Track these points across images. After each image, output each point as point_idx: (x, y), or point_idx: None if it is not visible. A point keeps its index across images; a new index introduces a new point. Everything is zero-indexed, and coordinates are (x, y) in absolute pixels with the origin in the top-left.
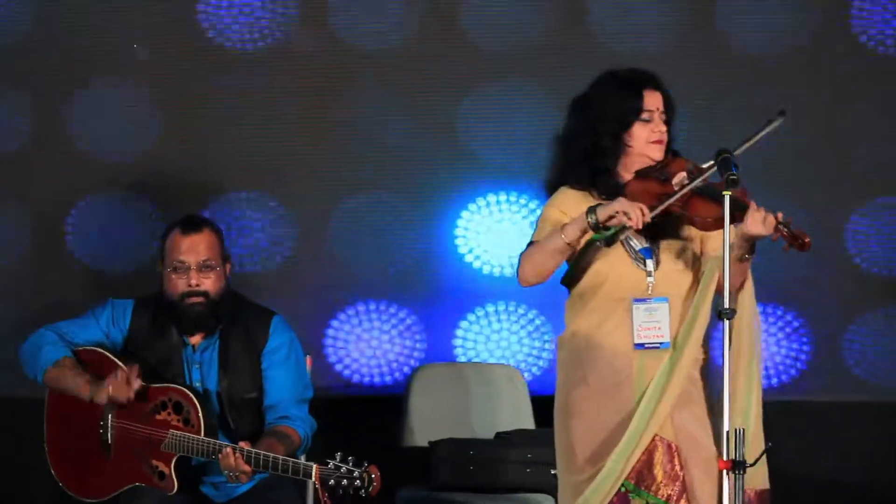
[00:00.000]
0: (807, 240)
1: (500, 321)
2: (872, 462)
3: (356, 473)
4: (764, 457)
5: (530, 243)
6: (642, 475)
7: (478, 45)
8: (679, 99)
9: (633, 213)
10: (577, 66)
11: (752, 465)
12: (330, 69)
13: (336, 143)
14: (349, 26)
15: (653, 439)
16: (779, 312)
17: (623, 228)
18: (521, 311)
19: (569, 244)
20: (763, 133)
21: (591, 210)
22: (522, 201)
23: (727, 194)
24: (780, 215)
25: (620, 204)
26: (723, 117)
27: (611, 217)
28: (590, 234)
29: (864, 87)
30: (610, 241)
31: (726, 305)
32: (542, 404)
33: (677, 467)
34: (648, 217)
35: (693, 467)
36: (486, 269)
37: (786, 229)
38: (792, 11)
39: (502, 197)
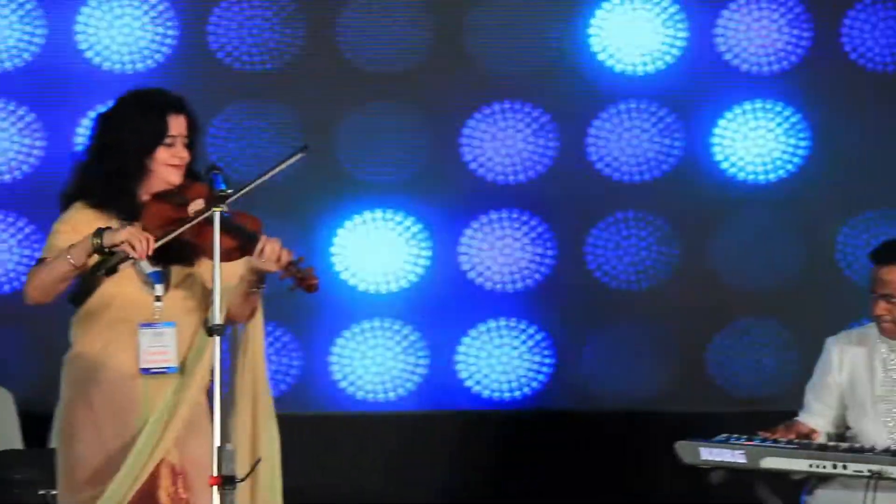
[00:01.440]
0: (314, 281)
1: (375, 338)
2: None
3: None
4: (278, 475)
5: (40, 260)
6: (146, 499)
7: (357, 66)
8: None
9: (137, 244)
10: (454, 87)
11: (241, 481)
12: None
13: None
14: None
15: (158, 464)
16: None
17: (127, 257)
18: (395, 327)
19: (76, 267)
20: (282, 166)
21: (98, 233)
22: (398, 218)
23: (217, 210)
24: (291, 253)
25: (128, 233)
26: None
27: (116, 244)
28: (96, 257)
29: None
30: (110, 271)
31: (216, 322)
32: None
33: (181, 491)
34: (152, 249)
35: (199, 491)
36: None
37: (295, 268)
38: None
39: (378, 214)
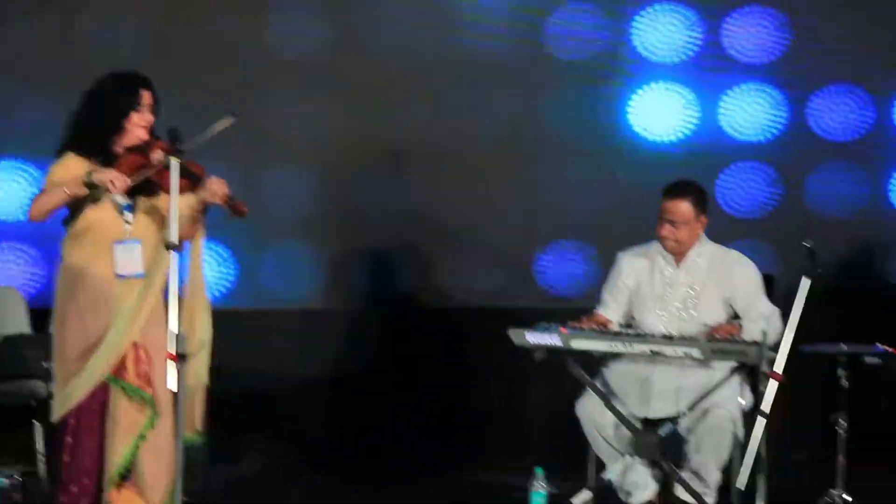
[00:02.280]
0: (244, 209)
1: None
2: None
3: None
4: (206, 355)
5: (42, 191)
6: (119, 370)
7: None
8: None
9: (117, 181)
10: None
11: (192, 357)
12: None
13: None
14: None
15: (129, 345)
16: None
17: (107, 190)
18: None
19: (70, 196)
20: (212, 131)
21: (89, 173)
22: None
23: (175, 160)
24: (227, 190)
25: (110, 174)
26: None
27: (101, 181)
28: (85, 190)
29: None
30: (95, 200)
31: (172, 240)
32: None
33: (144, 365)
34: (128, 185)
35: (156, 365)
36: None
37: (231, 201)
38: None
39: None
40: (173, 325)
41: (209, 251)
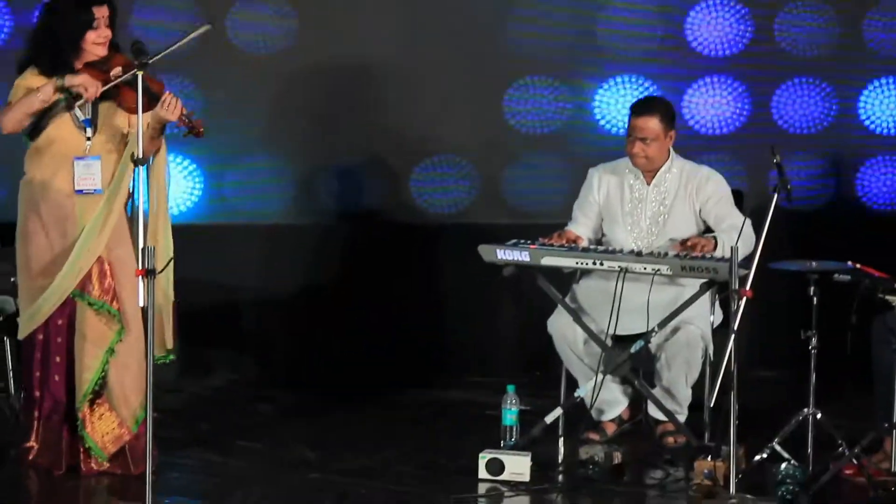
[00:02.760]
0: (202, 129)
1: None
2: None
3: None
4: (170, 271)
5: (7, 103)
6: (84, 285)
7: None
8: None
9: (90, 87)
10: None
11: (160, 272)
12: None
13: None
14: None
15: (93, 261)
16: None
17: (79, 96)
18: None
19: (44, 101)
20: (186, 40)
21: (62, 76)
22: None
23: (140, 73)
24: (184, 108)
25: (83, 77)
26: None
27: (73, 85)
28: (58, 96)
29: None
30: (69, 107)
31: (139, 155)
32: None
33: (109, 279)
34: (99, 92)
35: (123, 281)
36: None
37: (188, 119)
38: None
39: None
40: (141, 241)
41: (175, 165)
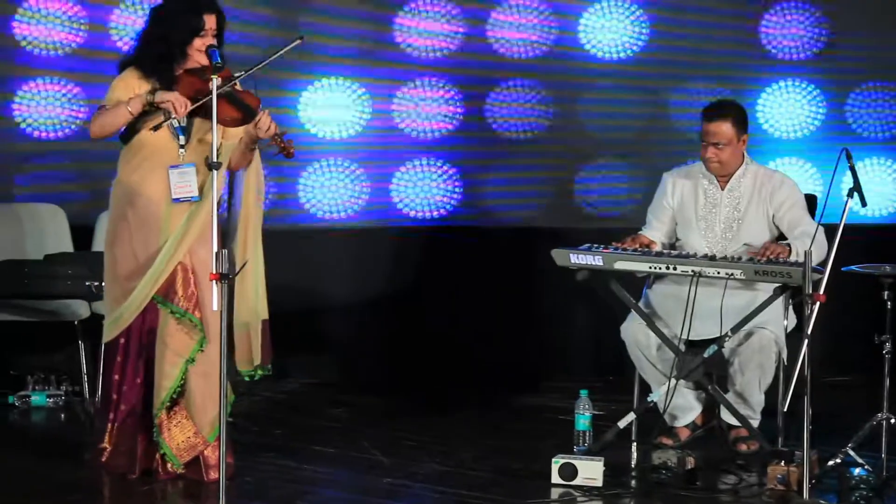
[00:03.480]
0: (292, 150)
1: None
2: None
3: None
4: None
5: (101, 107)
6: (168, 292)
7: None
8: None
9: (179, 105)
10: None
11: (234, 276)
12: None
13: None
14: None
15: (176, 266)
16: None
17: (168, 115)
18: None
19: (131, 113)
20: (279, 54)
21: (152, 92)
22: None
23: (215, 78)
24: (278, 127)
25: (173, 96)
26: None
27: (163, 102)
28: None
29: None
30: (157, 127)
31: (214, 159)
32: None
33: (192, 287)
34: (188, 109)
35: (205, 287)
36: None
37: (280, 139)
38: None
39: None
40: (215, 245)
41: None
